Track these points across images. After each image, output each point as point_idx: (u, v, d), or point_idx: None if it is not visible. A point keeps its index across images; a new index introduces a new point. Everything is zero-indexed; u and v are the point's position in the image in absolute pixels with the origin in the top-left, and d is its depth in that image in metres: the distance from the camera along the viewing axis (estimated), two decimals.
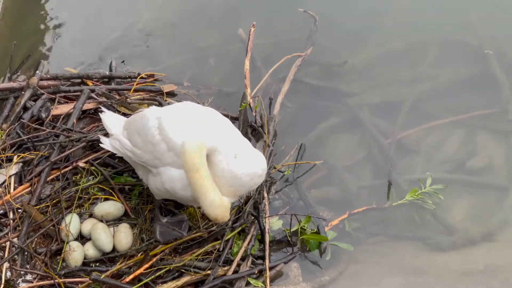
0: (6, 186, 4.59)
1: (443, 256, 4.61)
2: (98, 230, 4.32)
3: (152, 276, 4.18)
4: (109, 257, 4.33)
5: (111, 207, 4.48)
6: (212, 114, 4.19)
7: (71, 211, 4.45)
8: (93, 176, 4.68)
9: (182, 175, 3.93)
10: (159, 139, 4.01)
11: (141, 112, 4.30)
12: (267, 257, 4.32)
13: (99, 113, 4.60)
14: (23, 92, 5.11)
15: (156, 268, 4.22)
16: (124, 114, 4.93)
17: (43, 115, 5.02)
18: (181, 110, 4.20)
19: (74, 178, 4.68)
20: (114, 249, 4.34)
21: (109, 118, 4.53)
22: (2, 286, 4.14)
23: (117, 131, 4.37)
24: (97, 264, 4.32)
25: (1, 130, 4.91)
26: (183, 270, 4.24)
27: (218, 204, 3.77)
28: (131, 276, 4.11)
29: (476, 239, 4.70)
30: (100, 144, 4.46)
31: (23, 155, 4.75)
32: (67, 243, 4.28)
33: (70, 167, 4.70)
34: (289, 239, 4.54)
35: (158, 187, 4.12)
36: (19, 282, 4.20)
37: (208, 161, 3.83)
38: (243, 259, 4.34)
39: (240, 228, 4.45)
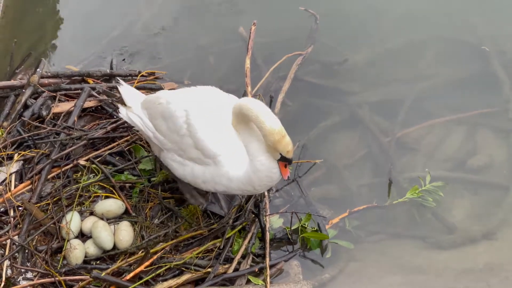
0: (7, 184, 4.59)
1: (443, 255, 4.61)
2: (99, 228, 4.32)
3: (153, 274, 4.18)
4: (109, 255, 4.33)
5: (112, 205, 4.49)
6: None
7: (71, 209, 4.44)
8: (93, 174, 4.69)
9: (205, 170, 3.98)
10: (186, 133, 4.00)
11: (165, 96, 4.18)
12: (267, 255, 4.33)
13: (117, 86, 4.53)
14: (23, 90, 5.12)
15: (156, 266, 4.22)
16: None
17: (44, 113, 5.03)
18: (208, 103, 4.10)
19: (74, 176, 4.69)
20: (114, 247, 4.34)
21: (126, 91, 4.45)
22: (2, 284, 4.14)
23: (135, 106, 4.32)
24: (98, 262, 4.32)
25: (2, 128, 4.92)
26: (184, 268, 4.25)
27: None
28: (131, 274, 4.11)
29: (476, 237, 4.70)
30: (119, 114, 4.45)
31: (23, 153, 4.76)
32: (68, 241, 4.29)
33: (70, 165, 4.71)
34: (290, 237, 4.55)
35: (180, 173, 4.14)
36: (19, 280, 4.20)
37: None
38: (243, 257, 4.35)
39: (240, 226, 4.46)
